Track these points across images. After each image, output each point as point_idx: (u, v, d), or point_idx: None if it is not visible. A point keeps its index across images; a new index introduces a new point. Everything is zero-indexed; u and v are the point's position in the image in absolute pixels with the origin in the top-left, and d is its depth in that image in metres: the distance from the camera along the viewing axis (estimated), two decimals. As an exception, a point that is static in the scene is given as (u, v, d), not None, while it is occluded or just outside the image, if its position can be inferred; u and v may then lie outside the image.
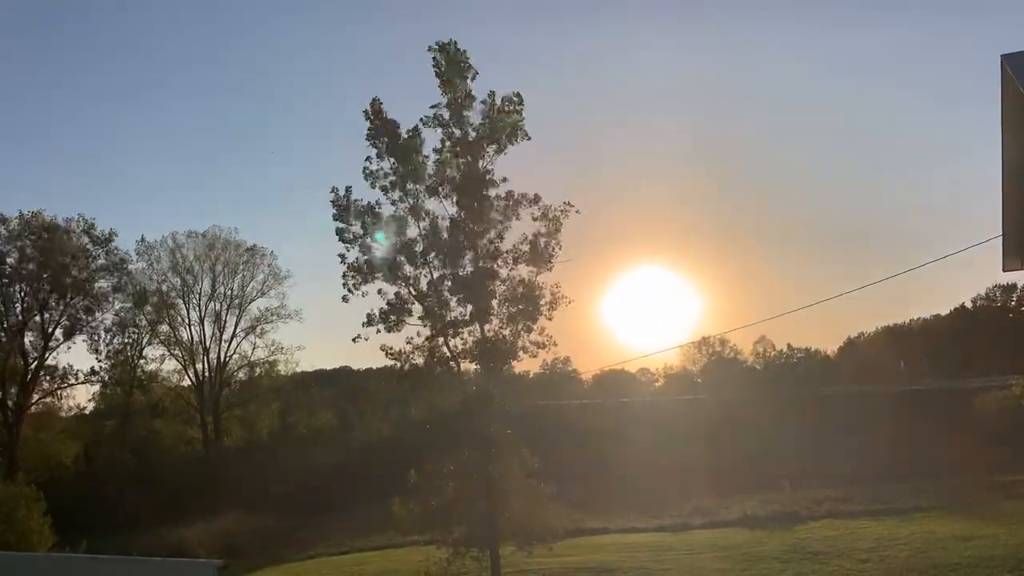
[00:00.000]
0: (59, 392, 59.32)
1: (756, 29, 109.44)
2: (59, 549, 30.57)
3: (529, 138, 21.49)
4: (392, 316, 21.35)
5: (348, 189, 21.42)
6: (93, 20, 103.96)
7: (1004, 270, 17.57)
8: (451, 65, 21.06)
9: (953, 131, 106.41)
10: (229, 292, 61.64)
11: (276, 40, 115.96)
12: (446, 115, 21.33)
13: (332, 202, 21.32)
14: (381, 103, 21.29)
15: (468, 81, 21.29)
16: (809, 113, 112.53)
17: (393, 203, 21.61)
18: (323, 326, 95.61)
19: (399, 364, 21.68)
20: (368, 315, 21.31)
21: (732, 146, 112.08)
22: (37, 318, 56.04)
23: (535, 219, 21.64)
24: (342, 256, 21.49)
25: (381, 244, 21.37)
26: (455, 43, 21.04)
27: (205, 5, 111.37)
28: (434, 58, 21.15)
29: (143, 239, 60.24)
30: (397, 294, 21.58)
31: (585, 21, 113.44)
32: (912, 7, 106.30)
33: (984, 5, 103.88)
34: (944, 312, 78.11)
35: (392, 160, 21.39)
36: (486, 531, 21.36)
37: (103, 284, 57.97)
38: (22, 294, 56.10)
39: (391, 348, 21.61)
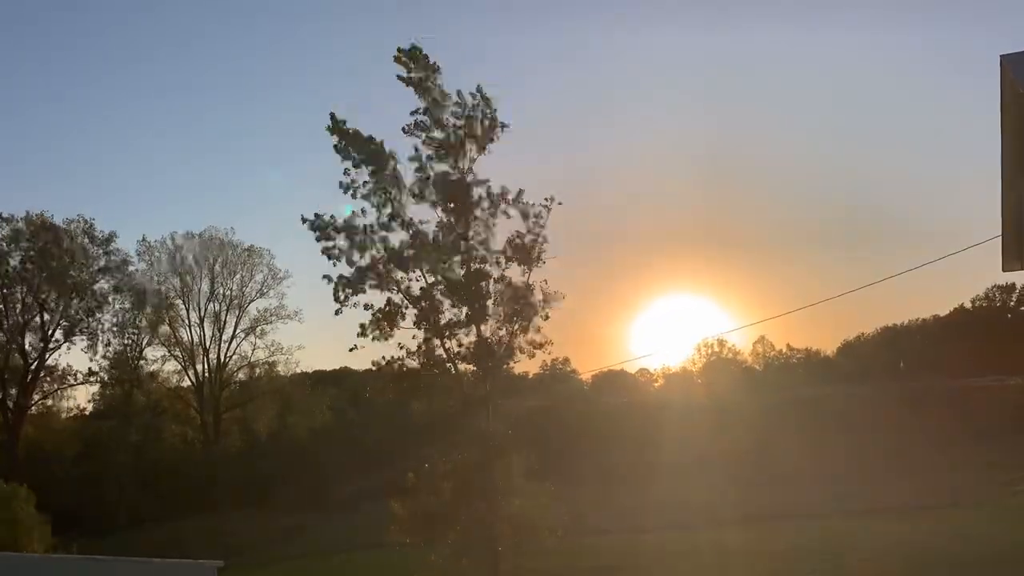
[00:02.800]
0: (59, 393, 59.43)
1: (757, 28, 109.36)
2: (60, 550, 30.56)
3: (507, 126, 21.36)
4: (384, 323, 21.15)
5: (317, 215, 20.92)
6: (92, 22, 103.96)
7: (1003, 270, 17.52)
8: (420, 69, 21.00)
9: (953, 131, 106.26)
10: (228, 293, 61.66)
11: (275, 41, 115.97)
12: (427, 120, 21.26)
13: (310, 227, 21.01)
14: (337, 115, 20.91)
15: (438, 81, 21.20)
16: (809, 113, 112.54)
17: (377, 208, 21.39)
18: (323, 327, 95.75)
19: (396, 366, 21.55)
20: (361, 325, 21.10)
21: (731, 146, 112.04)
22: (37, 319, 56.16)
23: (524, 216, 21.50)
24: (329, 277, 21.18)
25: (352, 216, 20.92)
26: (419, 48, 20.89)
27: (204, 7, 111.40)
28: (404, 65, 21.01)
29: (144, 239, 60.29)
30: (389, 300, 21.38)
31: (585, 17, 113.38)
32: (913, 6, 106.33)
33: (984, 5, 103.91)
34: (943, 312, 78.22)
35: (369, 168, 21.25)
36: (485, 531, 21.29)
37: (103, 285, 58.11)
38: (22, 295, 56.19)
39: (384, 360, 21.39)
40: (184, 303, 61.00)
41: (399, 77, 21.08)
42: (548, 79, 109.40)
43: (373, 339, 21.14)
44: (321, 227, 21.07)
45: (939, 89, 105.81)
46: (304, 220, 20.97)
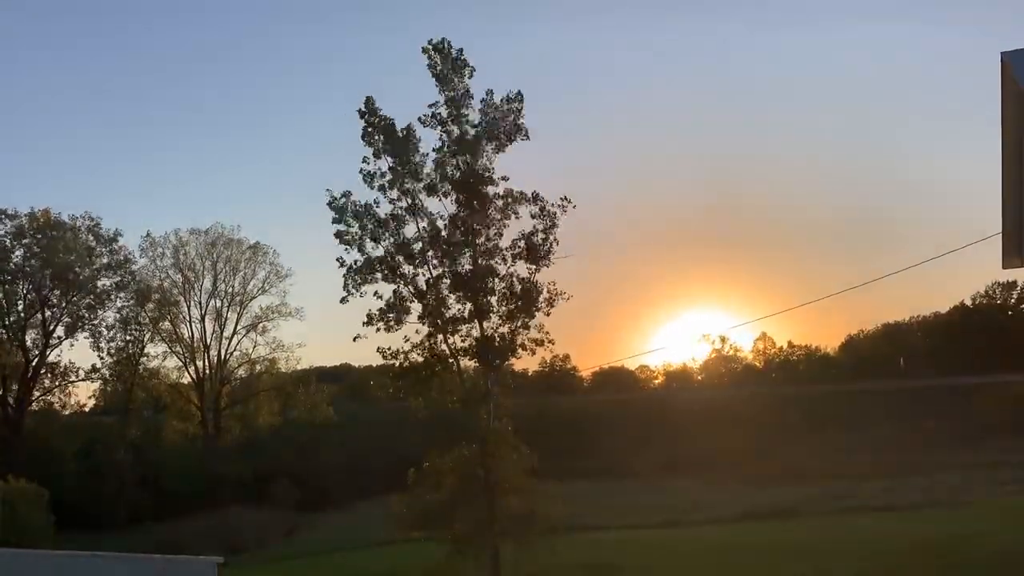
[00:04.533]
0: (60, 389, 59.50)
1: (757, 26, 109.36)
2: (60, 546, 30.62)
3: (528, 137, 21.47)
4: (391, 315, 21.27)
5: (346, 194, 21.20)
6: (97, 18, 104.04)
7: (1004, 267, 17.55)
8: (447, 64, 21.01)
9: (953, 129, 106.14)
10: (230, 289, 61.71)
11: (277, 37, 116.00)
12: (444, 113, 21.28)
13: (328, 205, 21.17)
14: (374, 101, 21.14)
15: (465, 79, 21.25)
16: (810, 111, 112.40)
17: (391, 202, 21.49)
18: (324, 323, 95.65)
19: (397, 363, 21.65)
20: (368, 314, 21.23)
21: (731, 144, 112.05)
22: (39, 315, 56.19)
23: (533, 216, 21.57)
24: (341, 260, 21.32)
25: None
26: (448, 42, 21.00)
27: (207, 4, 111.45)
28: (429, 58, 21.10)
29: (148, 235, 60.28)
30: (396, 292, 21.48)
31: (591, 14, 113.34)
32: (913, 5, 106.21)
33: (984, 4, 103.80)
34: (944, 309, 77.99)
35: (390, 159, 21.31)
36: (485, 528, 21.35)
37: (106, 282, 58.18)
38: (24, 291, 56.26)
39: (388, 349, 21.56)
40: (185, 299, 61.14)
41: (428, 66, 21.09)
42: (549, 77, 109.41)
43: (378, 330, 21.28)
44: (339, 210, 21.17)
45: (940, 86, 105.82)
46: (327, 192, 21.11)
